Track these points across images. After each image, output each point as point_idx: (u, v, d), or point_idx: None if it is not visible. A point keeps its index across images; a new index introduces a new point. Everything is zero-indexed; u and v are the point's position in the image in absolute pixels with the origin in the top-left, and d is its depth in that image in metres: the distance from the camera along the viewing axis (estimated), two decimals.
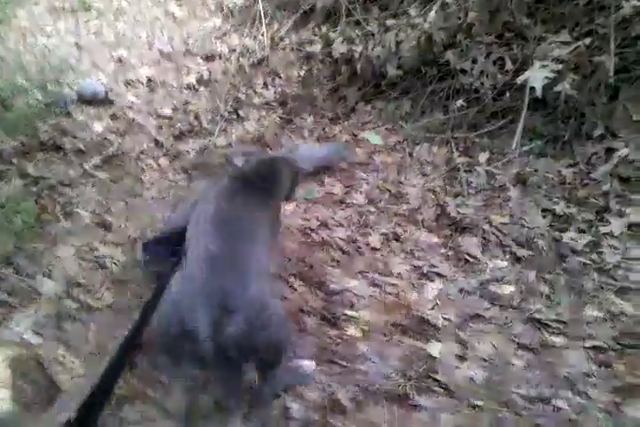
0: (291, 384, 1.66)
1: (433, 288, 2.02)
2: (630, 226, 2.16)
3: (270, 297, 1.45)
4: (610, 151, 2.55)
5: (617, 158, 2.52)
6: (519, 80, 2.39)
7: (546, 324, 1.88)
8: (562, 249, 2.13)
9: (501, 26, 2.79)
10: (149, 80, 3.39)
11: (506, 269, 2.08)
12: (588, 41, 2.53)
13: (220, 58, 3.45)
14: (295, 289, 2.03)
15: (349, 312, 1.95)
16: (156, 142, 2.83)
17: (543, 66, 2.41)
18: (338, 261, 2.15)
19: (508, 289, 2.01)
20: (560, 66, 2.38)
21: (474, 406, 1.66)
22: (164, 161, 2.73)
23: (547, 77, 2.32)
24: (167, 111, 3.06)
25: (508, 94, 2.68)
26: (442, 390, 1.70)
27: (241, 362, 1.36)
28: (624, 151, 2.51)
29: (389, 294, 2.00)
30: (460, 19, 2.84)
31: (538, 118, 2.73)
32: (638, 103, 2.54)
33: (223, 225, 1.53)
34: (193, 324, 1.27)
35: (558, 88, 2.46)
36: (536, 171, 2.52)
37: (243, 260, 1.45)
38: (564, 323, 1.89)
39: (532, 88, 2.32)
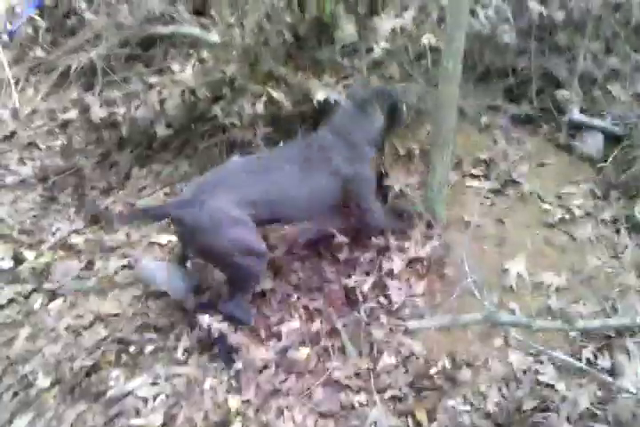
0: None
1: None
2: (410, 261, 2.22)
3: None
4: None
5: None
6: (317, 98, 2.42)
7: (345, 384, 1.82)
8: (350, 295, 2.12)
9: (264, 75, 2.78)
10: None
11: (299, 330, 2.00)
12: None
13: None
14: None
15: (136, 422, 1.71)
16: None
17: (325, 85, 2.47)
18: (121, 360, 1.90)
19: (304, 352, 1.93)
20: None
21: None
22: None
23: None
24: None
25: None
26: None
27: None
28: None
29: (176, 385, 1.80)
30: (222, 72, 2.79)
31: None
32: None
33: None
34: None
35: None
36: None
37: None
38: (363, 378, 1.85)
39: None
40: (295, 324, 2.03)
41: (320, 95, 2.45)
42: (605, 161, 2.57)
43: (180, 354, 1.91)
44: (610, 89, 2.92)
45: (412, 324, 1.85)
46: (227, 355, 1.89)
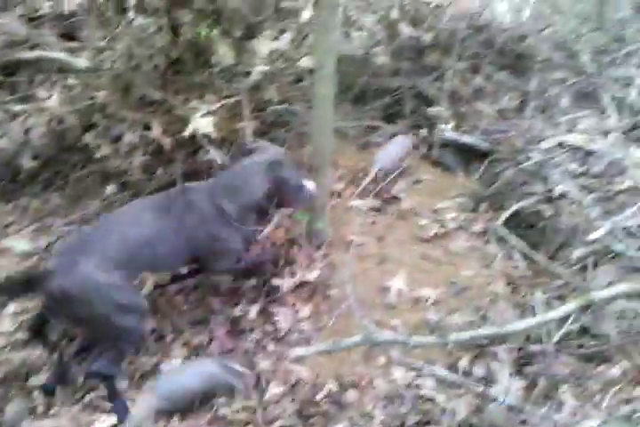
0: None
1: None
2: (296, 285, 2.21)
3: None
4: None
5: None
6: (187, 133, 2.29)
7: (232, 420, 1.77)
8: (236, 325, 2.08)
9: (138, 102, 2.67)
10: None
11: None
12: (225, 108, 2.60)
13: None
14: None
15: None
16: None
17: (204, 114, 2.39)
18: None
19: None
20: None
21: None
22: None
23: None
24: None
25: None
26: None
27: None
28: None
29: None
30: (92, 99, 2.66)
31: None
32: None
33: None
34: None
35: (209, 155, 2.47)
36: None
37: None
38: (250, 411, 1.80)
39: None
40: (176, 362, 1.95)
41: (196, 125, 2.39)
42: (474, 176, 2.74)
43: (48, 407, 1.77)
44: (477, 106, 3.10)
45: (297, 351, 1.82)
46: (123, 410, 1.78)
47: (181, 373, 1.87)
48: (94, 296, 1.72)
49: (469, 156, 2.85)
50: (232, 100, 2.63)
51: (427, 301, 2.11)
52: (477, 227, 2.43)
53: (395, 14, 3.09)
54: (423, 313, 2.08)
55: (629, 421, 1.63)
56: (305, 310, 2.12)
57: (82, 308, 1.72)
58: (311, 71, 2.86)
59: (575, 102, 3.12)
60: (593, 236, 1.96)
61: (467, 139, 2.86)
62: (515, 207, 2.39)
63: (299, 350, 1.83)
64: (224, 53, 2.62)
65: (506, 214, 2.37)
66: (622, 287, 1.82)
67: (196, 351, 2.00)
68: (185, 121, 2.47)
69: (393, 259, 2.28)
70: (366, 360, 1.94)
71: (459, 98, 3.11)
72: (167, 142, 2.46)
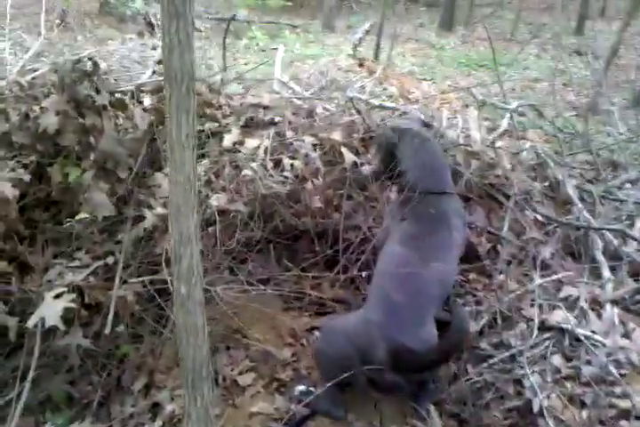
0: None
1: None
2: None
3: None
4: (156, 407, 1.96)
5: (163, 416, 1.94)
6: (30, 324, 1.65)
7: None
8: None
9: None
10: None
11: None
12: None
13: None
14: None
15: None
16: None
17: (57, 296, 1.74)
18: None
19: None
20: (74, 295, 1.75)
21: None
22: None
23: (67, 308, 1.68)
24: None
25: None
26: None
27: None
28: (169, 408, 1.95)
29: None
30: None
31: (58, 379, 2.02)
32: None
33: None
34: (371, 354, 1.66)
35: (66, 340, 1.83)
36: None
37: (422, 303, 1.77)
38: None
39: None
40: None
41: (43, 313, 1.69)
42: None
43: None
44: None
45: None
46: None
47: None
48: None
49: None
50: (109, 260, 2.00)
51: None
52: None
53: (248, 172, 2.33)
54: None
55: None
56: None
57: None
58: (223, 212, 2.26)
59: None
60: None
61: None
62: None
63: None
64: (98, 201, 2.02)
65: None
66: None
67: None
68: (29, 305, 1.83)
69: None
70: None
71: None
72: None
